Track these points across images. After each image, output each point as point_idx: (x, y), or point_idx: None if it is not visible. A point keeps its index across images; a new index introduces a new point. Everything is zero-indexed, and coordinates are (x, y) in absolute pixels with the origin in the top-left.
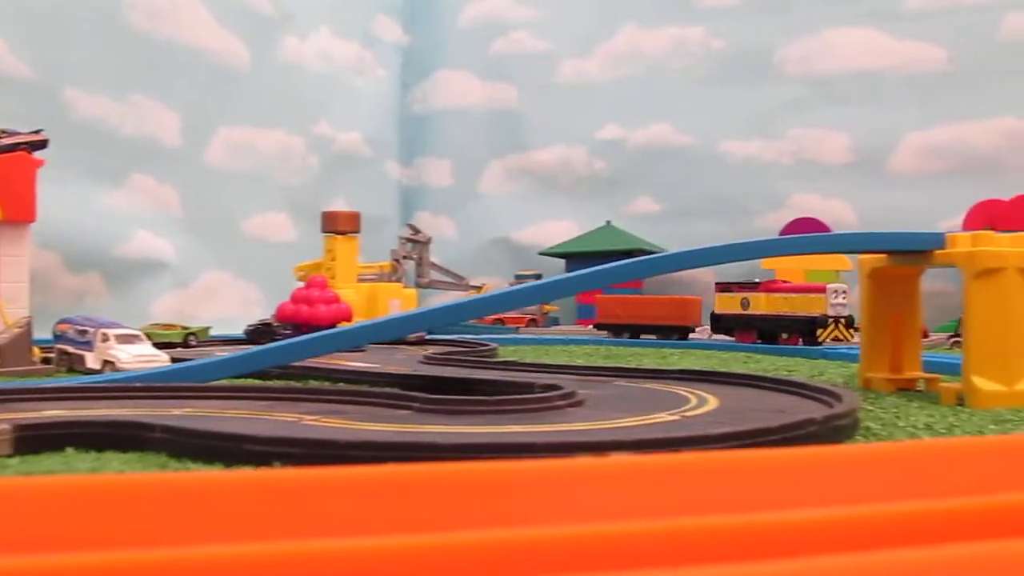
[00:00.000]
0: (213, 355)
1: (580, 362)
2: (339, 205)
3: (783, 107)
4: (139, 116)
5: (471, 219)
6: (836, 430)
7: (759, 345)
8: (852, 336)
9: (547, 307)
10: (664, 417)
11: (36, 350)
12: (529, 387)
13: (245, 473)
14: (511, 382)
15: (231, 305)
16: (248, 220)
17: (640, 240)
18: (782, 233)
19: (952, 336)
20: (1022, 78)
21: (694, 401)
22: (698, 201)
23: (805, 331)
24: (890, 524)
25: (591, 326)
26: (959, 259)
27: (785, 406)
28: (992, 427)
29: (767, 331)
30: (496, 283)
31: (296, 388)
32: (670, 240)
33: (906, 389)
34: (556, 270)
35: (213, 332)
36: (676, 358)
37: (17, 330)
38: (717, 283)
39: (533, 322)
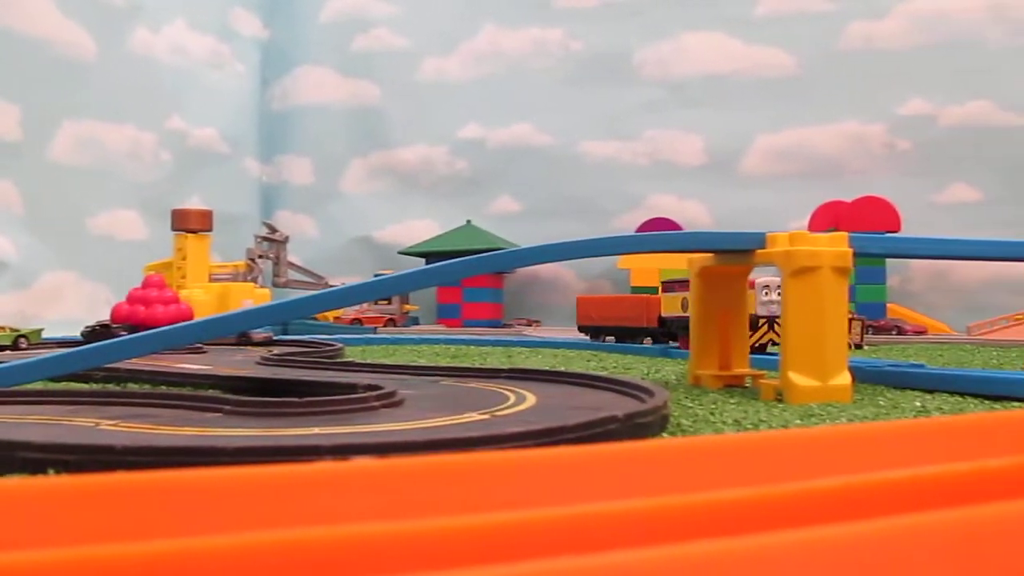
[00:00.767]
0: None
1: (423, 362)
2: (194, 203)
3: (640, 109)
4: None
5: (332, 218)
6: (641, 427)
7: (607, 344)
8: None
9: (407, 307)
10: (474, 416)
11: None
12: (352, 388)
13: (14, 482)
14: (335, 383)
15: (78, 306)
16: (95, 218)
17: (500, 239)
18: (636, 232)
19: None
20: (864, 84)
21: (512, 399)
22: (557, 201)
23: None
24: (643, 521)
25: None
26: (777, 258)
27: (601, 403)
28: (798, 421)
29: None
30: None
31: (107, 392)
32: (530, 239)
33: (734, 386)
34: None
35: (55, 334)
36: (523, 357)
37: None
38: (663, 282)
39: (392, 322)
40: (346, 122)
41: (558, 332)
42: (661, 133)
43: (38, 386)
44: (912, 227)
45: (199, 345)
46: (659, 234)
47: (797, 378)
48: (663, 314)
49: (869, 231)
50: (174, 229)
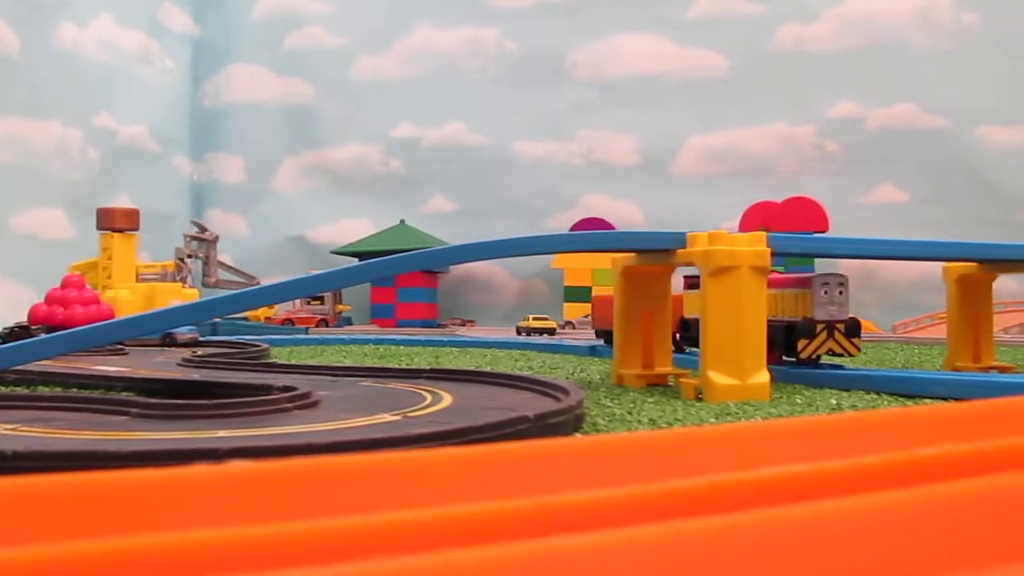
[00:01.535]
0: None
1: (348, 362)
2: (123, 201)
3: (573, 109)
4: None
5: (264, 217)
6: (553, 427)
7: (534, 342)
8: (857, 348)
9: (340, 307)
10: (386, 418)
11: None
12: (268, 389)
13: None
14: (251, 385)
15: None
16: (17, 217)
17: (433, 239)
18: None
19: None
20: (793, 87)
21: (429, 399)
22: (491, 200)
23: (782, 342)
24: (537, 519)
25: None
26: (697, 258)
27: (517, 404)
28: (713, 420)
29: None
30: None
31: (14, 395)
32: (464, 239)
33: (657, 384)
34: None
35: None
36: (452, 357)
37: None
38: (685, 276)
39: (324, 322)
40: (279, 120)
41: (492, 332)
42: (594, 133)
43: None
44: (841, 227)
45: (121, 346)
46: (584, 233)
47: (716, 377)
48: (685, 315)
49: (798, 231)
50: (99, 228)
